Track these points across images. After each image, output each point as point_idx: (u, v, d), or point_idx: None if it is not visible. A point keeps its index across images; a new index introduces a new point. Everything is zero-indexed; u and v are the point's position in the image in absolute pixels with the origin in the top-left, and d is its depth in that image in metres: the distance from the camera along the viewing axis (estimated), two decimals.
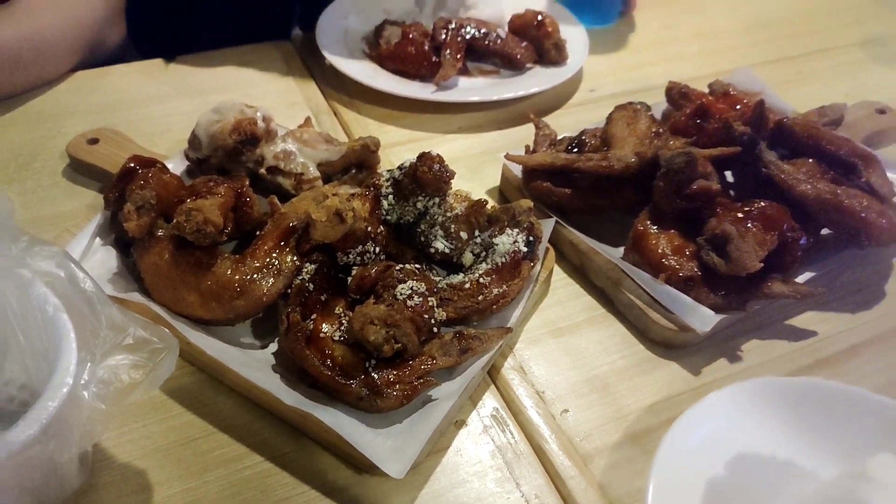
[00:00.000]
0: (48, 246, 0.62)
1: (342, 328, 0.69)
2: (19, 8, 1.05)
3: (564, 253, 0.87)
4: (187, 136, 0.89)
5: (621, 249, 0.84)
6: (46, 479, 0.56)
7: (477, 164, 1.02)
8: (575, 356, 0.77)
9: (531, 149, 0.95)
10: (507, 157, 0.91)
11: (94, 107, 1.09)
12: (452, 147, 1.05)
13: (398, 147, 1.05)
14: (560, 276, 0.85)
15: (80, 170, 0.96)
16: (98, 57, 1.19)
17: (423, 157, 0.76)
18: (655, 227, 0.82)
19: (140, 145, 0.97)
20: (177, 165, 0.92)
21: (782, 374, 0.75)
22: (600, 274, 0.83)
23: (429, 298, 0.69)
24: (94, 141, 0.97)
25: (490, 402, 0.72)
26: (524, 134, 1.08)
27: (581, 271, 0.86)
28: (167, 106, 1.10)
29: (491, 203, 0.80)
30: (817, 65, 1.30)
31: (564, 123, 1.10)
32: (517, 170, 0.93)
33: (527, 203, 0.76)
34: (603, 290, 0.83)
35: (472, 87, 1.13)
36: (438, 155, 0.77)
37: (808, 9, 1.49)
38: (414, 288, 0.69)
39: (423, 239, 0.79)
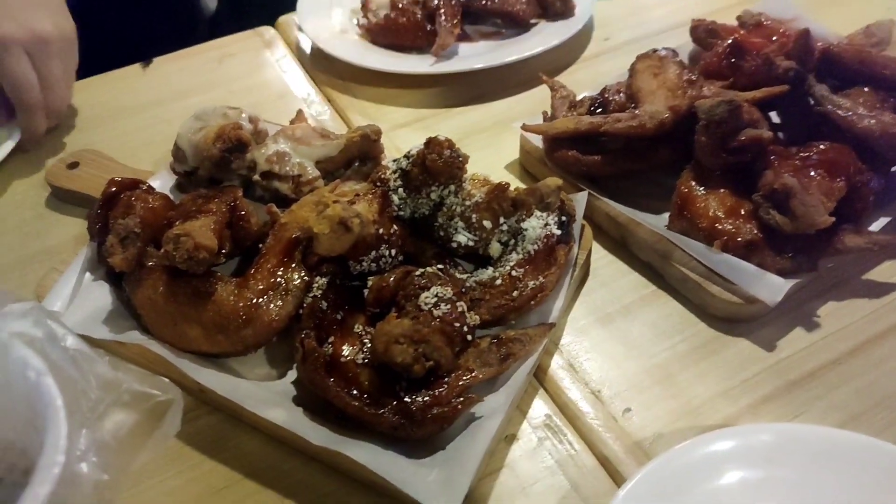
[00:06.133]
0: (22, 302, 0.55)
1: (365, 349, 0.61)
2: None
3: (602, 227, 0.78)
4: (172, 147, 0.81)
5: (666, 216, 0.75)
6: None
7: (491, 138, 0.93)
8: (630, 344, 0.68)
9: (549, 115, 0.85)
10: (524, 127, 0.81)
11: (69, 127, 1.01)
12: (461, 122, 0.96)
13: (402, 130, 0.96)
14: (600, 254, 0.77)
15: (63, 198, 0.89)
16: None
17: (431, 143, 0.67)
18: (702, 188, 0.73)
19: (123, 163, 0.90)
20: (165, 182, 0.84)
21: (869, 336, 0.66)
22: (645, 247, 0.74)
23: (457, 304, 0.61)
24: (73, 165, 0.90)
25: (541, 408, 0.64)
26: (539, 97, 0.98)
27: (623, 246, 0.77)
28: (148, 115, 1.02)
29: (514, 184, 0.70)
30: None
31: (581, 79, 1.01)
32: (537, 140, 0.83)
33: (554, 181, 0.67)
34: (650, 264, 0.74)
35: (475, 54, 1.03)
36: (447, 139, 0.68)
37: None
38: (439, 294, 0.61)
39: (442, 233, 0.70)
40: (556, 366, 0.67)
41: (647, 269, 0.74)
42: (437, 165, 0.67)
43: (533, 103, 0.97)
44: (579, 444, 0.61)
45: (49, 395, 0.50)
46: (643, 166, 0.77)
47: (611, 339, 0.69)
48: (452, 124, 0.95)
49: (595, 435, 0.61)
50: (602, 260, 0.76)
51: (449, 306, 0.60)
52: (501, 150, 0.90)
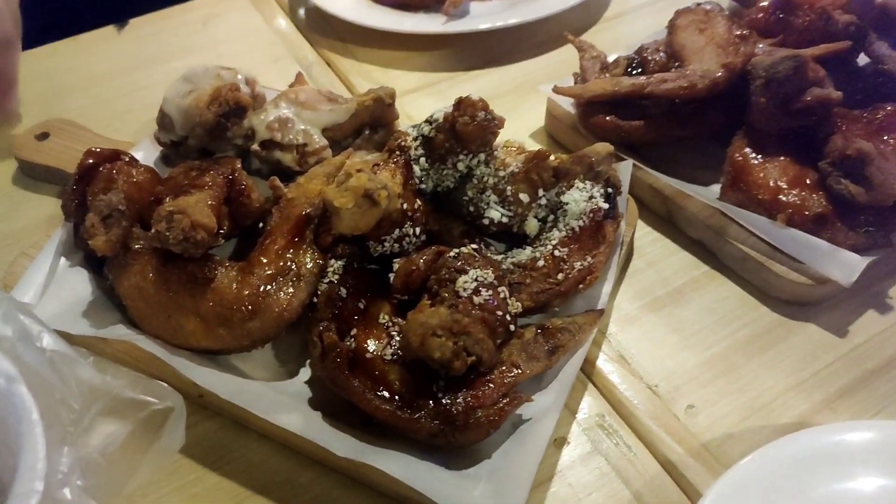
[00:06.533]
0: None
1: (393, 342, 0.53)
2: None
3: (645, 201, 0.70)
4: (154, 116, 0.72)
5: (715, 189, 0.68)
6: None
7: (512, 103, 0.84)
8: (684, 332, 0.61)
9: (580, 77, 0.77)
10: (556, 90, 0.73)
11: (39, 95, 0.90)
12: (477, 86, 0.88)
13: (412, 95, 0.87)
14: (644, 231, 0.69)
15: (32, 174, 0.79)
16: None
17: (463, 104, 0.59)
18: (758, 156, 0.65)
19: (98, 133, 0.80)
20: (148, 154, 0.75)
21: None
22: (696, 222, 0.66)
23: (499, 289, 0.53)
24: (43, 136, 0.80)
25: (591, 407, 0.57)
26: (560, 59, 0.90)
27: (670, 221, 0.69)
28: (125, 81, 0.92)
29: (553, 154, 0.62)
30: None
31: (603, 41, 0.91)
32: (568, 105, 0.75)
33: (605, 147, 0.59)
34: (701, 242, 0.67)
35: (488, 12, 0.95)
36: (481, 99, 0.59)
37: None
38: (479, 278, 0.52)
39: (472, 208, 0.62)
40: (605, 358, 0.59)
41: (698, 248, 0.67)
42: (469, 130, 0.58)
43: (553, 65, 0.89)
44: (638, 446, 0.54)
45: (22, 406, 0.42)
46: (690, 132, 0.70)
47: (662, 326, 0.62)
48: (467, 89, 0.87)
49: (655, 436, 0.54)
50: (646, 237, 0.69)
51: (490, 292, 0.52)
52: (524, 116, 0.82)
